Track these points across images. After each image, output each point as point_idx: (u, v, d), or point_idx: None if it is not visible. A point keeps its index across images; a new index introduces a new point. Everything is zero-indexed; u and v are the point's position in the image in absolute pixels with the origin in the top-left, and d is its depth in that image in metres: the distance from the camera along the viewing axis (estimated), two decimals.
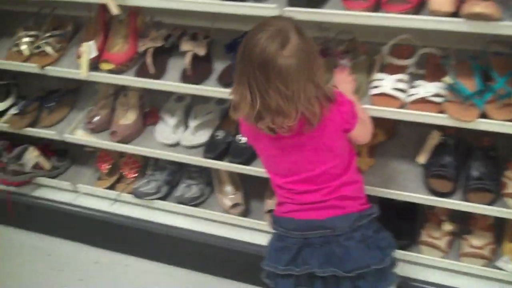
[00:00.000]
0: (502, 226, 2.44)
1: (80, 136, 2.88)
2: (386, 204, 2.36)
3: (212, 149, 2.62)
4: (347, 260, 1.94)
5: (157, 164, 2.96)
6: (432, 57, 2.24)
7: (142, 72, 2.53)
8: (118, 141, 2.77)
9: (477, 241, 2.40)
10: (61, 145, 3.09)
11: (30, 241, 3.24)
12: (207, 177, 2.90)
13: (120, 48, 2.60)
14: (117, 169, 3.05)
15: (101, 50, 2.59)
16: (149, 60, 2.51)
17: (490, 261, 2.39)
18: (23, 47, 2.73)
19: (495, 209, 2.21)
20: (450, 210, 2.38)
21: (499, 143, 2.38)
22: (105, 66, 2.55)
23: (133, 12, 2.62)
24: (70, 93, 3.11)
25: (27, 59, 2.72)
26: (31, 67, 2.69)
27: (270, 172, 2.07)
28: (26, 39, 2.74)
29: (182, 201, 2.84)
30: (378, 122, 2.22)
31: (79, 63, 2.56)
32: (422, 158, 2.36)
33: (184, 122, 2.80)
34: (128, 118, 2.83)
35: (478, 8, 1.75)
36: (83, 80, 2.64)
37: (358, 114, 1.92)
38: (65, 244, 3.20)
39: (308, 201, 1.96)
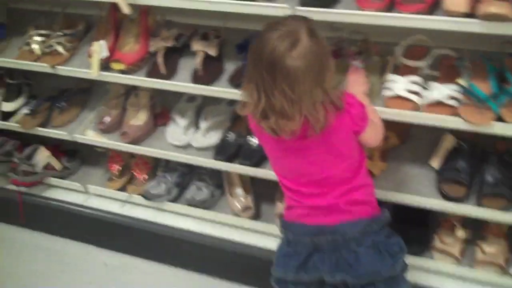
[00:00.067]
0: None
1: (91, 137, 2.87)
2: (398, 209, 2.33)
3: (222, 151, 2.60)
4: (358, 266, 1.90)
5: (168, 165, 2.95)
6: (446, 58, 2.20)
7: (153, 72, 2.52)
8: (129, 142, 2.76)
9: (490, 248, 2.35)
10: (71, 145, 3.08)
11: (40, 241, 3.24)
12: (217, 179, 2.88)
13: (131, 47, 2.59)
14: (128, 170, 3.04)
15: (112, 49, 2.58)
16: (160, 60, 2.49)
17: (504, 269, 2.33)
18: (34, 46, 2.73)
19: (511, 216, 2.16)
20: (464, 216, 2.33)
21: None
22: (116, 65, 2.54)
23: (144, 11, 2.61)
24: (82, 93, 3.11)
25: (38, 58, 2.72)
26: (42, 67, 2.68)
27: (277, 173, 2.04)
28: (37, 38, 2.74)
29: (192, 204, 2.82)
30: (391, 125, 2.18)
31: (90, 63, 2.55)
32: (435, 162, 2.32)
33: (195, 123, 2.78)
34: (139, 118, 2.81)
35: (494, 8, 1.71)
36: (95, 80, 2.63)
37: (368, 116, 1.89)
38: (75, 246, 3.19)
39: (317, 204, 1.92)
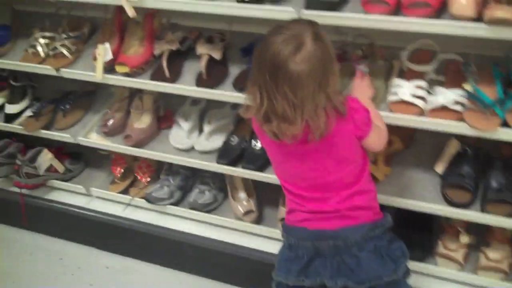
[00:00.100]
0: None
1: (94, 140, 2.87)
2: (402, 213, 2.32)
3: (225, 154, 2.59)
4: (359, 271, 1.90)
5: (171, 168, 2.94)
6: (451, 63, 2.20)
7: (157, 76, 2.51)
8: (132, 145, 2.75)
9: (494, 254, 2.34)
10: (75, 148, 3.07)
11: (42, 243, 3.23)
12: (220, 183, 2.87)
13: (135, 50, 2.58)
14: (131, 172, 3.04)
15: (117, 52, 2.58)
16: (164, 63, 2.49)
17: (508, 275, 2.33)
18: (39, 49, 2.73)
19: None
20: (468, 221, 2.32)
21: None
22: (120, 68, 2.54)
23: (150, 14, 2.60)
24: (86, 95, 3.11)
25: (43, 61, 2.72)
26: (46, 69, 2.68)
27: (279, 176, 2.04)
28: (42, 41, 2.74)
29: (195, 207, 2.81)
30: (395, 130, 2.18)
31: (95, 65, 2.55)
32: (439, 167, 2.31)
33: (198, 127, 2.77)
34: (142, 121, 2.81)
35: (500, 13, 1.71)
36: (99, 82, 2.62)
37: (373, 121, 1.88)
38: (77, 248, 3.18)
39: (319, 209, 1.92)
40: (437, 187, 2.32)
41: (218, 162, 2.58)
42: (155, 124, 2.84)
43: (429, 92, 2.10)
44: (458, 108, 2.02)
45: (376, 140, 1.94)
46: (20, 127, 2.97)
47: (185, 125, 2.74)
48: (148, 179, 2.98)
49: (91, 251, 3.15)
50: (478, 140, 2.14)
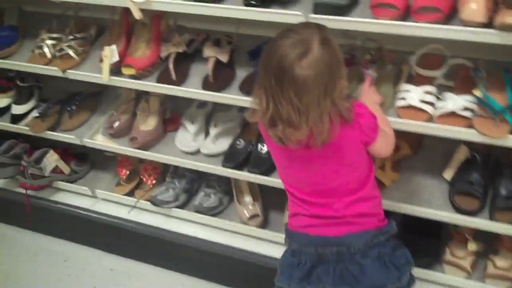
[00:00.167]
0: None
1: (100, 141, 2.87)
2: (409, 220, 2.31)
3: (231, 158, 2.58)
4: (362, 279, 1.88)
5: (176, 171, 2.93)
6: (461, 68, 2.17)
7: (164, 78, 2.50)
8: (138, 148, 2.74)
9: (502, 262, 2.32)
10: (81, 149, 3.05)
11: (47, 245, 3.23)
12: (226, 186, 2.86)
13: (142, 52, 2.57)
14: (136, 174, 3.03)
15: (123, 54, 2.57)
16: (171, 65, 2.47)
17: None
18: (46, 50, 2.72)
19: None
20: (476, 229, 2.29)
21: None
22: (126, 70, 2.52)
23: (157, 16, 2.59)
24: (92, 97, 3.11)
25: (49, 62, 2.71)
26: (53, 71, 2.67)
27: (283, 180, 2.02)
28: (49, 42, 2.73)
29: (200, 210, 2.80)
30: (404, 135, 2.16)
31: (101, 67, 2.54)
32: (448, 174, 2.29)
33: (204, 129, 2.76)
34: (148, 124, 2.80)
35: (510, 19, 1.68)
36: (106, 84, 2.61)
37: (379, 127, 1.86)
38: (82, 250, 3.17)
39: (322, 214, 1.90)
40: (445, 193, 2.29)
41: (223, 166, 2.57)
42: (161, 127, 2.83)
43: (438, 98, 2.08)
44: (467, 114, 2.00)
45: (383, 146, 1.92)
46: (26, 128, 2.96)
47: (191, 127, 2.73)
48: (154, 182, 2.97)
49: (95, 253, 3.14)
50: (488, 146, 2.11)
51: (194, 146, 2.69)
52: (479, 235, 2.36)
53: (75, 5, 2.78)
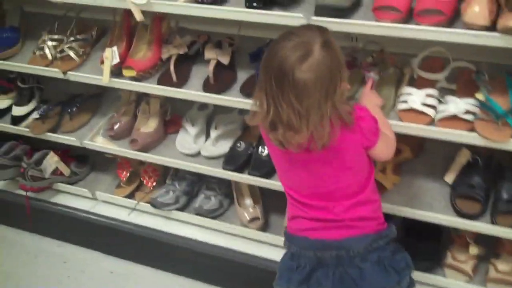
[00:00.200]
0: None
1: (100, 143, 2.86)
2: (411, 223, 2.30)
3: (232, 160, 2.57)
4: (362, 283, 1.87)
5: (177, 173, 2.92)
6: (463, 71, 2.17)
7: (165, 80, 2.49)
8: (138, 150, 2.73)
9: (504, 266, 2.30)
10: (81, 150, 3.05)
11: (47, 246, 3.22)
12: (226, 188, 2.85)
13: (143, 54, 2.56)
14: (137, 176, 3.02)
15: (124, 55, 2.56)
16: (172, 67, 2.47)
17: None
18: (47, 51, 2.71)
19: None
20: (477, 232, 2.29)
21: None
22: (127, 72, 2.52)
23: (158, 17, 2.59)
24: (93, 98, 3.10)
25: (50, 63, 2.70)
26: (53, 72, 2.67)
27: (283, 183, 2.01)
28: (50, 43, 2.73)
29: (200, 213, 2.79)
30: (405, 138, 2.15)
31: (102, 69, 2.53)
32: (449, 177, 2.28)
33: (205, 131, 2.75)
34: (149, 125, 2.79)
35: None
36: (107, 85, 2.61)
37: (380, 130, 1.85)
38: (81, 252, 3.16)
39: (322, 217, 1.89)
40: (447, 197, 2.29)
41: (224, 168, 2.56)
42: (162, 129, 2.82)
43: (440, 101, 2.07)
44: (469, 117, 1.99)
45: (384, 149, 1.91)
46: (27, 129, 2.96)
47: (192, 130, 2.72)
48: (154, 184, 2.96)
49: (95, 255, 3.13)
50: (489, 150, 2.10)
51: (195, 148, 2.68)
52: (481, 238, 2.35)
53: (77, 7, 2.77)
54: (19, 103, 3.07)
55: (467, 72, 2.15)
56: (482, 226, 2.16)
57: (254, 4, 2.07)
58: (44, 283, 3.01)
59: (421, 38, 1.87)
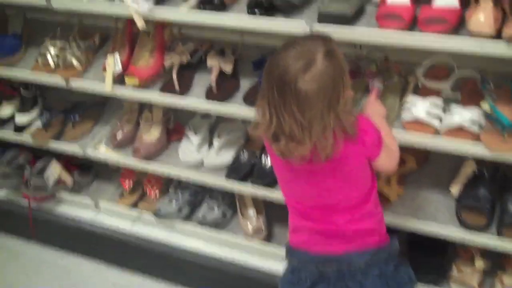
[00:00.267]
0: None
1: (103, 152, 2.84)
2: (415, 235, 2.25)
3: (235, 170, 2.54)
4: None
5: (180, 183, 2.90)
6: (468, 80, 2.13)
7: (167, 88, 2.47)
8: (141, 159, 2.71)
9: (511, 280, 2.26)
10: (84, 159, 3.03)
11: (50, 257, 3.19)
12: (230, 198, 2.83)
13: (145, 62, 2.55)
14: (140, 185, 3.00)
15: (127, 63, 2.55)
16: (174, 76, 2.45)
17: None
18: (49, 59, 2.70)
19: None
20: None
21: None
22: (129, 80, 2.50)
23: (160, 25, 2.57)
24: (96, 106, 3.09)
25: (53, 71, 2.69)
26: (56, 79, 2.66)
27: (285, 194, 1.98)
28: (52, 50, 2.71)
29: (203, 223, 2.77)
30: (409, 149, 2.12)
31: (105, 76, 2.52)
32: (455, 189, 2.24)
33: (208, 140, 2.73)
34: (152, 134, 2.77)
35: None
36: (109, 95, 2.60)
37: (383, 143, 1.81)
38: (84, 263, 3.14)
39: (323, 229, 1.86)
40: (452, 209, 2.24)
41: (227, 178, 2.54)
42: (165, 137, 2.80)
43: (444, 111, 2.04)
44: (474, 128, 1.96)
45: (387, 161, 1.88)
46: (29, 138, 2.94)
47: (195, 138, 2.70)
48: (157, 193, 2.94)
49: (98, 266, 3.10)
50: (496, 161, 2.07)
51: (197, 158, 2.66)
52: (487, 251, 2.31)
53: (79, 14, 2.77)
54: (22, 109, 3.06)
55: (472, 80, 2.12)
56: (488, 240, 2.13)
57: (256, 11, 2.05)
58: None
59: (425, 46, 1.85)
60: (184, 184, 2.89)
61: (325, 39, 1.69)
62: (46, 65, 2.71)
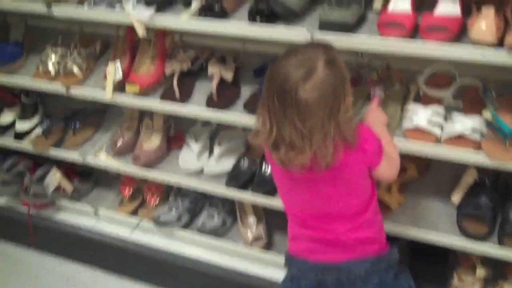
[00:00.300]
0: None
1: (103, 159, 2.84)
2: (416, 243, 2.24)
3: (235, 178, 2.54)
4: None
5: (180, 190, 2.89)
6: (470, 88, 2.13)
7: (168, 96, 2.47)
8: (142, 166, 2.70)
9: None
10: (85, 166, 3.02)
11: (49, 265, 3.18)
12: (230, 206, 2.82)
13: (146, 69, 2.55)
14: (140, 193, 3.00)
15: (128, 71, 2.55)
16: (175, 83, 2.44)
17: None
18: (50, 66, 2.70)
19: None
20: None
21: None
22: (130, 88, 2.49)
23: (161, 33, 2.57)
24: (96, 114, 3.09)
25: (53, 78, 2.69)
26: (57, 87, 2.66)
27: (285, 202, 1.98)
28: (53, 58, 2.71)
29: (203, 231, 2.76)
30: (410, 157, 2.11)
31: (105, 83, 2.51)
32: (456, 197, 2.23)
33: (208, 148, 2.73)
34: (152, 141, 2.77)
35: None
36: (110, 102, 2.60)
37: (384, 152, 1.81)
38: (84, 270, 3.12)
39: (322, 238, 1.86)
40: (453, 217, 2.24)
41: (227, 185, 2.53)
42: (165, 145, 2.80)
43: (446, 119, 2.04)
44: (476, 136, 1.96)
45: (388, 170, 1.87)
46: (30, 144, 2.94)
47: (195, 146, 2.69)
48: (157, 200, 2.93)
49: (97, 273, 3.08)
50: (498, 169, 2.06)
51: (198, 166, 2.65)
52: (488, 260, 2.30)
53: (80, 21, 2.77)
54: (23, 116, 3.05)
55: (473, 89, 2.12)
56: (489, 249, 2.12)
57: (258, 19, 2.05)
58: None
59: (426, 54, 1.85)
60: (184, 191, 2.88)
61: (326, 47, 1.69)
62: (46, 73, 2.71)
